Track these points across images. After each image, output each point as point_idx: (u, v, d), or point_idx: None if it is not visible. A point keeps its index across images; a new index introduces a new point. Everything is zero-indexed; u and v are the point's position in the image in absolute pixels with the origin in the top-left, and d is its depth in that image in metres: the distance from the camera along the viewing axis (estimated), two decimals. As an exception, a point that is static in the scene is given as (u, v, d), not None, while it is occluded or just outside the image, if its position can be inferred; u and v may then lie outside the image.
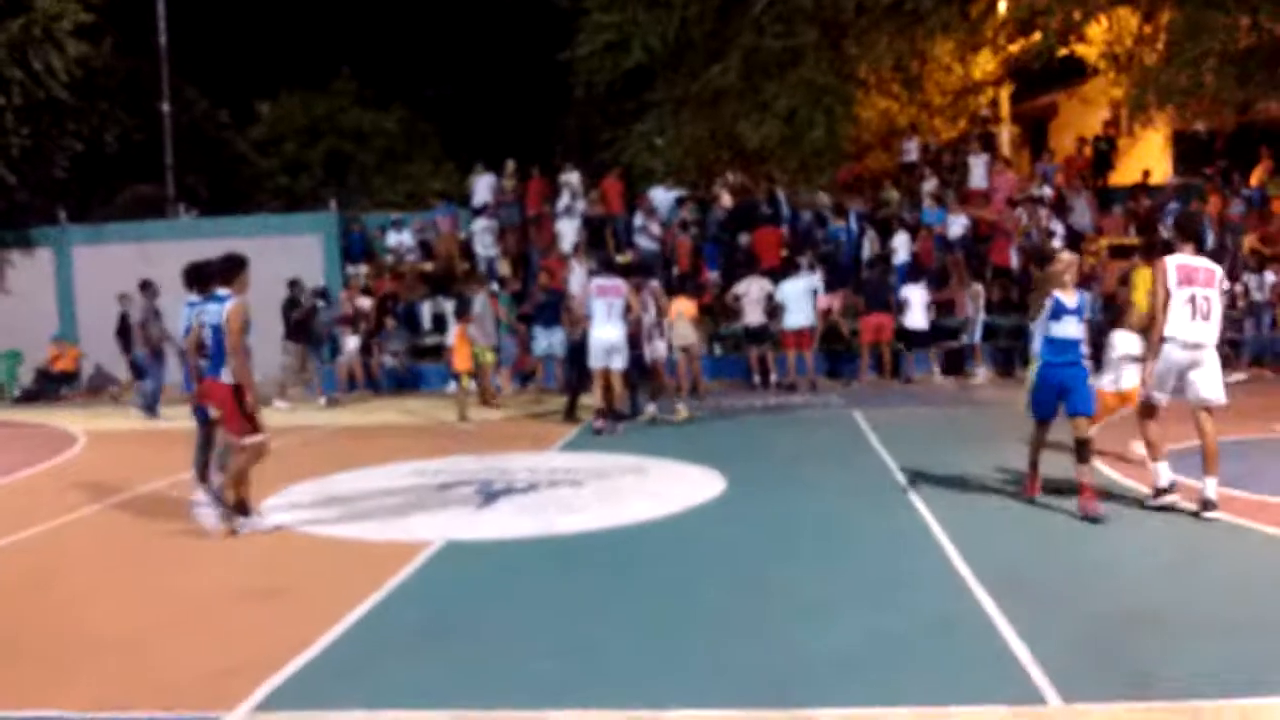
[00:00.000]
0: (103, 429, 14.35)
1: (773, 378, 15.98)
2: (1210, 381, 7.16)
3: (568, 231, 18.92)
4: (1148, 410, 7.45)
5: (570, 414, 12.79)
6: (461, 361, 13.54)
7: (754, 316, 15.88)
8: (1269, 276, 14.81)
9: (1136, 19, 19.30)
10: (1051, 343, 7.38)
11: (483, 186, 20.80)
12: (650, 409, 12.57)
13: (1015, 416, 11.86)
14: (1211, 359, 7.18)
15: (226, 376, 7.45)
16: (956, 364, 16.67)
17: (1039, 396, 7.45)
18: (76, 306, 20.55)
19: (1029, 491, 7.75)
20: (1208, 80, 17.41)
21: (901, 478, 8.69)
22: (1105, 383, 8.86)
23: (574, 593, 5.92)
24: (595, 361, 11.75)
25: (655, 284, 13.35)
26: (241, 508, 7.57)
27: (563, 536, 7.20)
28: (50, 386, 19.25)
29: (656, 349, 12.68)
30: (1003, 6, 20.40)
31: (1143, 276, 15.17)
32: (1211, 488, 7.06)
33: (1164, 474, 7.36)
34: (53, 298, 20.61)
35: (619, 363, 11.65)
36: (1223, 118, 21.43)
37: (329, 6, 32.86)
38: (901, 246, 17.46)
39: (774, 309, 15.73)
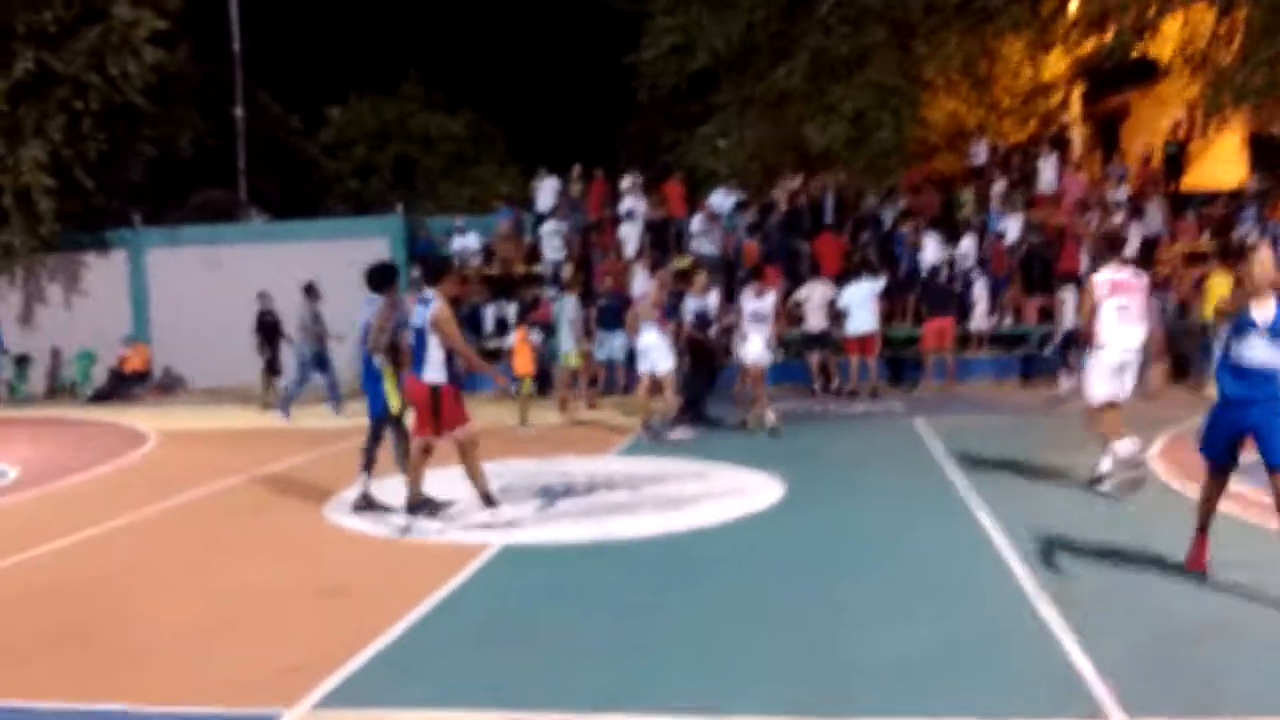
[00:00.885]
0: (173, 428, 14.66)
1: (834, 384, 15.84)
2: (1131, 378, 8.33)
3: (630, 235, 18.94)
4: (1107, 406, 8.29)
5: (697, 416, 12.58)
6: (522, 365, 13.56)
7: (816, 322, 15.75)
8: None
9: (1212, 17, 18.87)
10: (1232, 370, 5.69)
11: (547, 190, 20.90)
12: (770, 417, 11.87)
13: (1076, 424, 11.66)
14: (1138, 363, 8.38)
15: (429, 376, 7.50)
16: (1031, 371, 16.42)
17: (1210, 436, 5.93)
18: (150, 308, 21.02)
19: (1194, 564, 5.97)
20: (1284, 81, 16.98)
21: (962, 486, 8.56)
22: None
23: (630, 598, 5.93)
24: (638, 365, 11.93)
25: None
26: (489, 498, 7.74)
27: (620, 541, 7.21)
28: (123, 386, 19.71)
29: (749, 353, 11.99)
30: (1074, 5, 20.06)
31: (1218, 282, 14.93)
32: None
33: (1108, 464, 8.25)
34: (126, 300, 21.11)
35: (662, 365, 11.51)
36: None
37: (398, 12, 33.34)
38: (970, 250, 17.21)
39: (837, 314, 15.58)
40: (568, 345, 14.37)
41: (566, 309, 14.35)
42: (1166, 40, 20.15)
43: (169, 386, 20.57)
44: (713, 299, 13.19)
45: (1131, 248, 17.03)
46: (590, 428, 13.13)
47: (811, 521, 7.61)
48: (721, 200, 19.41)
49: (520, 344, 13.85)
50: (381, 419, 8.39)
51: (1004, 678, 4.55)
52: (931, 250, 17.09)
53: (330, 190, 32.34)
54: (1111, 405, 8.25)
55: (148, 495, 9.32)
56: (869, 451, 10.72)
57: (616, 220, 19.57)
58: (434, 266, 8.15)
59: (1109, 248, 8.98)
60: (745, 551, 6.90)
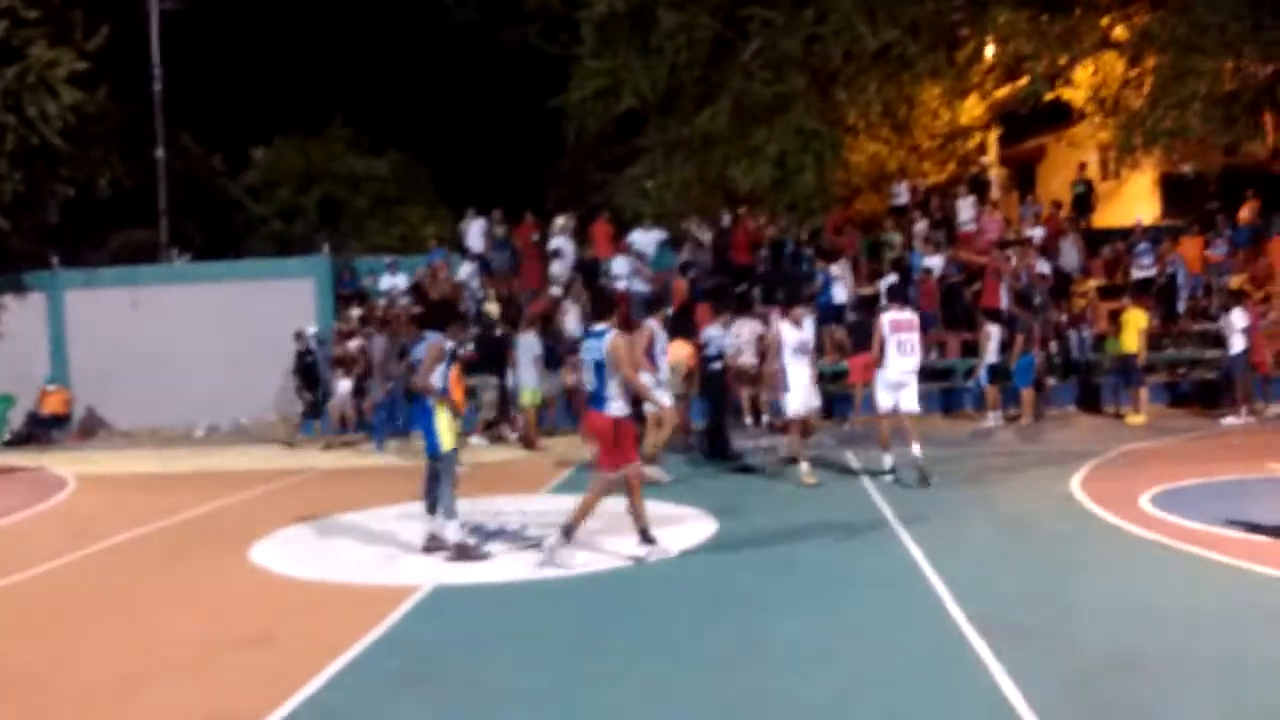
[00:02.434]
0: (94, 472, 14.28)
1: (764, 418, 15.94)
2: (910, 398, 10.59)
3: (560, 274, 18.99)
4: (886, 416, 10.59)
5: (719, 450, 12.58)
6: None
7: (746, 358, 15.86)
8: (1236, 316, 14.77)
9: (1122, 63, 19.54)
10: None
11: (474, 231, 20.89)
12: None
13: (1006, 457, 11.89)
14: (913, 382, 10.57)
15: (614, 409, 7.48)
16: (955, 405, 16.71)
17: None
18: (68, 350, 20.50)
19: None
20: (1193, 123, 17.61)
21: (893, 518, 8.66)
22: None
23: (564, 638, 5.88)
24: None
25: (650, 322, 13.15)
26: (646, 535, 7.65)
27: (552, 580, 7.17)
28: (41, 430, 19.17)
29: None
30: (989, 52, 20.65)
31: (1132, 316, 15.40)
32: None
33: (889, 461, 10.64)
34: (45, 342, 20.57)
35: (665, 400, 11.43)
36: (1209, 159, 21.71)
37: (324, 54, 33.13)
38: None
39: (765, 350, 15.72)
40: (529, 382, 14.37)
41: (527, 346, 14.39)
42: (1079, 86, 20.81)
43: (89, 430, 20.04)
44: (742, 330, 13.51)
45: (1045, 283, 17.57)
46: (524, 465, 13.07)
47: (744, 557, 7.64)
48: (642, 239, 19.57)
49: (454, 383, 13.76)
50: (437, 457, 8.18)
51: (935, 710, 4.60)
52: (841, 290, 17.33)
53: (254, 231, 31.92)
54: (891, 415, 10.61)
55: (68, 542, 9.05)
56: (801, 486, 10.78)
57: (545, 260, 19.61)
58: (607, 300, 8.25)
59: (891, 297, 11.21)
60: (678, 589, 6.89)
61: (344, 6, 32.17)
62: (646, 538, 7.70)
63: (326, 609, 6.73)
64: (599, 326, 7.71)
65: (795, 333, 10.80)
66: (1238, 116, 18.06)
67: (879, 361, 10.54)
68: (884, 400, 10.67)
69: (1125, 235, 19.73)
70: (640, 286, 18.28)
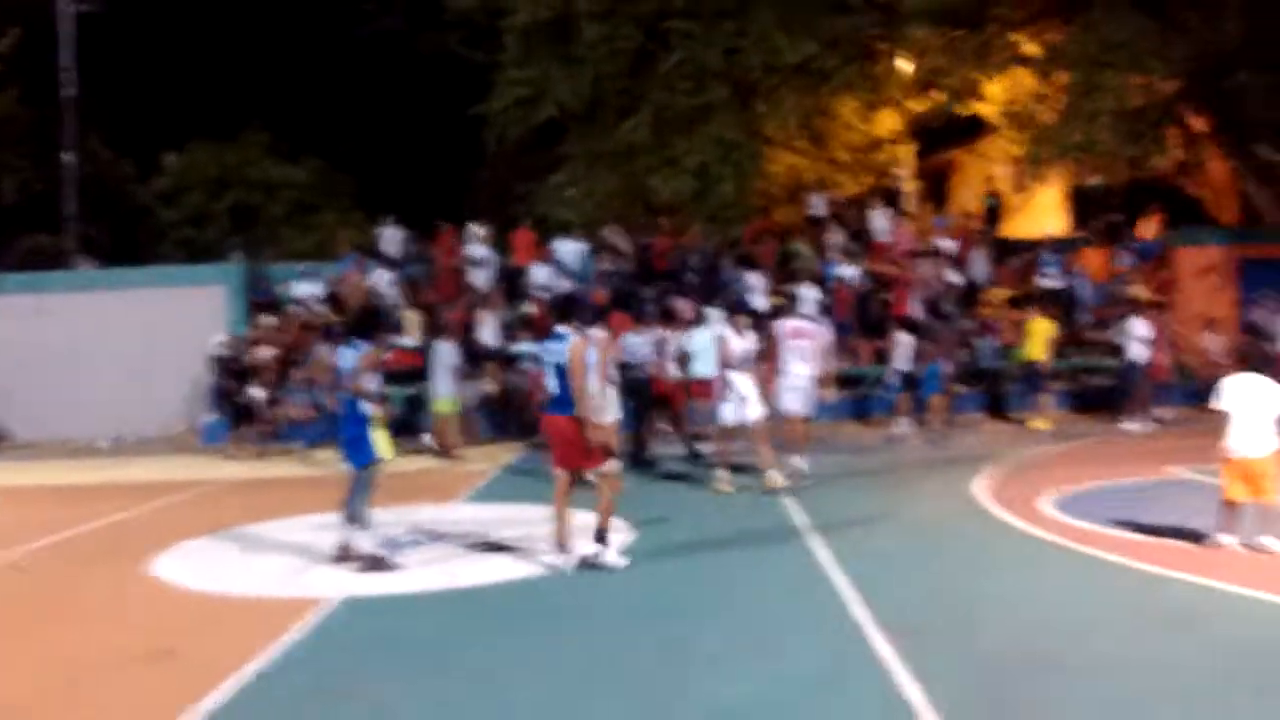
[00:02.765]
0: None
1: (680, 428, 15.99)
2: (803, 399, 11.16)
3: (480, 283, 18.90)
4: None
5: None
6: None
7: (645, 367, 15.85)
8: (1137, 325, 15.22)
9: (1033, 79, 20.09)
10: None
11: (390, 238, 20.72)
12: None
13: (915, 462, 12.11)
14: (809, 386, 11.13)
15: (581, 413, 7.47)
16: (868, 412, 16.97)
17: None
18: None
19: None
20: (1101, 137, 18.17)
21: (804, 525, 8.77)
22: None
23: (477, 648, 5.86)
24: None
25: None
26: (600, 536, 7.57)
27: (465, 590, 7.13)
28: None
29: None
30: (905, 66, 21.06)
31: (1038, 325, 15.79)
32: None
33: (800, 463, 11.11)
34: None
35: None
36: (1116, 173, 22.38)
37: (240, 58, 32.60)
38: (808, 297, 17.68)
39: (682, 358, 15.77)
40: (445, 391, 14.28)
41: (444, 355, 14.30)
42: (991, 100, 21.34)
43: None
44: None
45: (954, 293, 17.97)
46: (440, 474, 12.98)
47: (658, 565, 7.67)
48: (567, 248, 19.58)
49: None
50: (366, 466, 8.02)
51: (838, 713, 4.68)
52: (758, 298, 17.51)
53: (165, 238, 31.28)
54: (788, 419, 11.14)
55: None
56: (716, 494, 10.85)
57: (465, 268, 19.50)
58: (565, 305, 8.27)
59: (790, 309, 12.00)
60: (592, 597, 6.90)
61: (262, 11, 31.65)
62: (601, 538, 7.68)
63: (231, 623, 6.61)
64: (561, 330, 7.68)
65: (740, 342, 10.69)
66: (1143, 132, 18.70)
67: (776, 368, 11.01)
68: (787, 404, 11.12)
69: (1033, 247, 20.21)
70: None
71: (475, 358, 15.71)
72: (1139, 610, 6.08)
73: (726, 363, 10.68)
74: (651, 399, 13.40)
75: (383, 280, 19.18)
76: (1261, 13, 16.64)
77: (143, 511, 10.95)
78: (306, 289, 19.64)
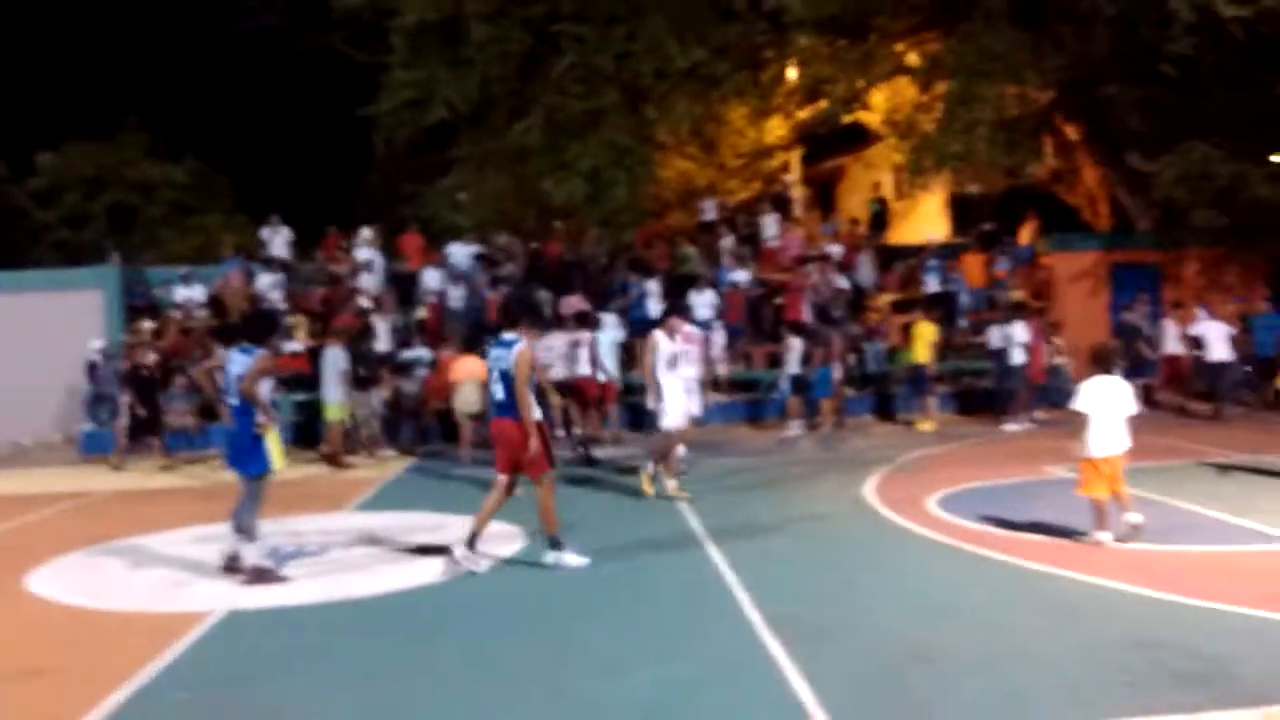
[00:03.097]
0: None
1: (575, 431, 16.00)
2: (694, 402, 10.94)
3: (369, 288, 18.60)
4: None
5: None
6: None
7: (558, 370, 15.90)
8: (1018, 329, 15.72)
9: (915, 88, 20.61)
10: None
11: (278, 241, 20.27)
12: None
13: (806, 464, 12.30)
14: (695, 390, 11.02)
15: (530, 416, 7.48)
16: (760, 415, 17.18)
17: None
18: None
19: None
20: (979, 147, 18.72)
21: (698, 527, 8.84)
22: None
23: (364, 659, 5.75)
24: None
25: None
26: (473, 541, 7.62)
27: (355, 600, 7.00)
28: None
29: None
30: (792, 74, 21.42)
31: (922, 329, 16.19)
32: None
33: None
34: None
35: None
36: (993, 181, 23.11)
37: (117, 56, 31.57)
38: (702, 303, 17.85)
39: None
40: (334, 397, 14.00)
41: (332, 361, 14.01)
42: (875, 109, 21.83)
43: None
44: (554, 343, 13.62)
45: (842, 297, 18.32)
46: (329, 483, 12.72)
47: (551, 571, 7.63)
48: (458, 252, 19.41)
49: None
50: (258, 476, 7.70)
51: (731, 712, 4.72)
52: (654, 304, 17.64)
53: (39, 240, 30.09)
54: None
55: None
56: (608, 497, 10.88)
57: (353, 272, 19.18)
58: (514, 310, 8.18)
59: (676, 313, 11.39)
60: (484, 604, 6.84)
61: (139, 6, 30.69)
62: (472, 544, 7.66)
63: (109, 639, 6.38)
64: (508, 336, 7.65)
65: (670, 344, 10.43)
66: (1020, 141, 19.33)
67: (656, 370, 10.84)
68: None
69: (916, 252, 20.74)
70: (456, 302, 18.12)
71: (368, 364, 15.44)
72: (1022, 606, 6.27)
73: (651, 366, 10.43)
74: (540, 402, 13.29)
75: (268, 284, 18.74)
76: (1129, 27, 17.35)
77: (17, 525, 10.51)
78: (186, 293, 19.08)
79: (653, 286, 18.28)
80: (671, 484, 10.47)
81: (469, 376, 13.64)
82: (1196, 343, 16.83)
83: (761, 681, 5.07)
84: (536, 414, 7.55)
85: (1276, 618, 5.73)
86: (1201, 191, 17.71)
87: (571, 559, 7.62)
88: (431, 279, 18.61)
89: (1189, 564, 7.08)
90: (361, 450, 14.68)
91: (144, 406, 15.09)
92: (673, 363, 10.42)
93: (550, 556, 7.65)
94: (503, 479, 7.66)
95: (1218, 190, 17.62)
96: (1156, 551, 7.40)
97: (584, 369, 14.59)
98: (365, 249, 19.28)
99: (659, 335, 10.51)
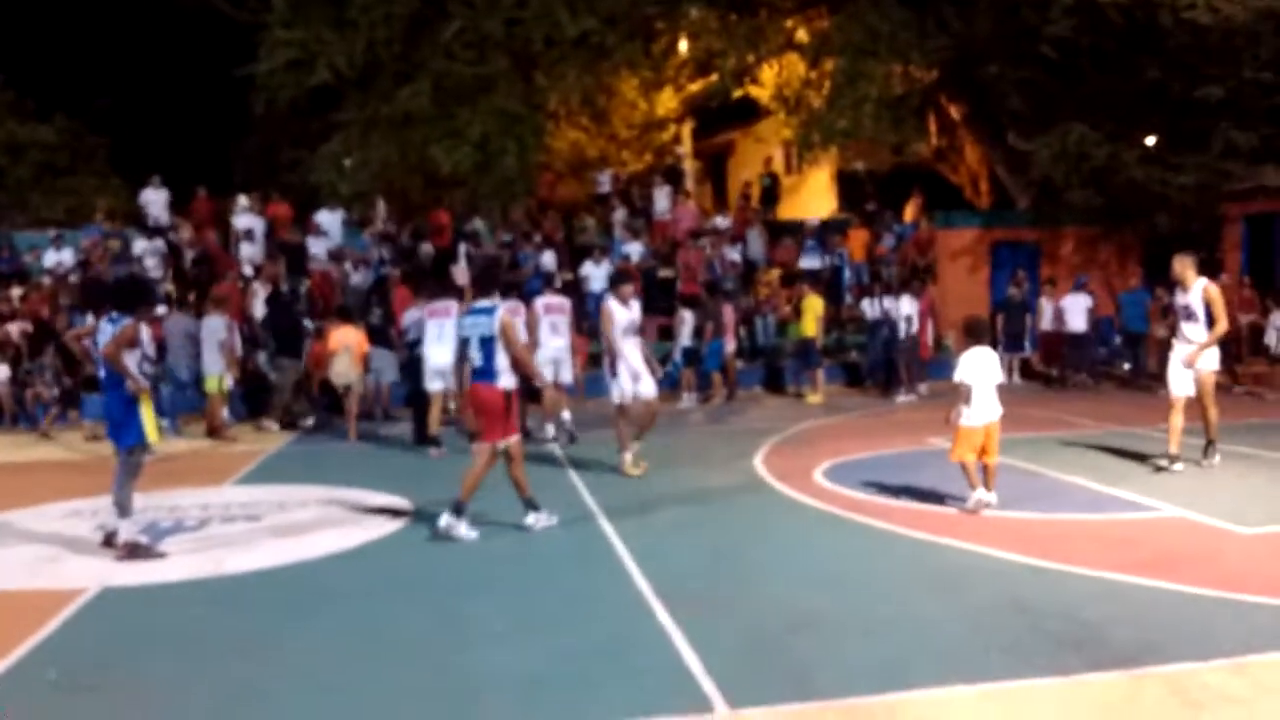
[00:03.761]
0: None
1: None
2: (565, 372, 12.29)
3: (250, 255, 18.08)
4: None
5: (421, 437, 12.21)
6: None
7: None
8: (905, 303, 16.10)
9: (804, 65, 20.81)
10: None
11: (154, 201, 19.54)
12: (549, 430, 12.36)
13: (698, 436, 12.40)
14: (566, 358, 12.32)
15: (504, 382, 7.55)
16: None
17: None
18: None
19: None
20: (865, 123, 19.01)
21: (589, 500, 8.83)
22: None
23: (242, 636, 5.59)
24: (430, 383, 11.73)
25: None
26: (531, 504, 7.87)
27: (235, 576, 6.81)
28: None
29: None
30: (684, 47, 21.43)
31: (810, 303, 16.42)
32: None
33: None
34: None
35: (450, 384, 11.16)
36: (879, 158, 23.51)
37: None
38: (597, 275, 17.79)
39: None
40: (214, 369, 13.57)
41: (211, 330, 13.56)
42: (765, 84, 21.98)
43: None
44: None
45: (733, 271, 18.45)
46: (209, 456, 12.35)
47: (438, 544, 7.53)
48: (329, 218, 19.01)
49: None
50: (133, 449, 7.35)
51: (620, 682, 4.73)
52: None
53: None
54: (555, 387, 11.19)
55: None
56: (498, 469, 10.76)
57: (233, 240, 18.62)
58: (486, 276, 8.22)
59: (546, 283, 12.84)
60: (368, 578, 6.72)
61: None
62: (532, 505, 7.79)
63: (-28, 618, 6.08)
64: (484, 303, 7.67)
65: (625, 312, 10.09)
66: (905, 119, 19.69)
67: (535, 342, 11.09)
68: (543, 371, 10.90)
69: (801, 227, 20.99)
70: (320, 267, 17.75)
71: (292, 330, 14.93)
72: (905, 573, 6.42)
73: (611, 335, 10.05)
74: None
75: (144, 249, 18.06)
76: (1011, 9, 17.79)
77: None
78: (57, 257, 18.29)
79: (549, 258, 18.17)
80: (627, 458, 10.08)
81: (343, 346, 13.32)
82: (1059, 316, 17.55)
83: (650, 651, 5.09)
84: (513, 382, 7.58)
85: (1148, 583, 5.97)
86: (1078, 171, 18.31)
87: (464, 529, 7.55)
88: (316, 247, 18.18)
89: (1066, 532, 7.33)
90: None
91: (12, 378, 14.44)
92: (630, 330, 10.18)
93: (445, 520, 7.57)
94: (484, 447, 7.66)
95: (1093, 170, 18.24)
96: (1035, 520, 7.66)
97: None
98: (244, 216, 18.71)
99: (613, 303, 10.13)
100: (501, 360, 7.53)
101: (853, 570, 6.53)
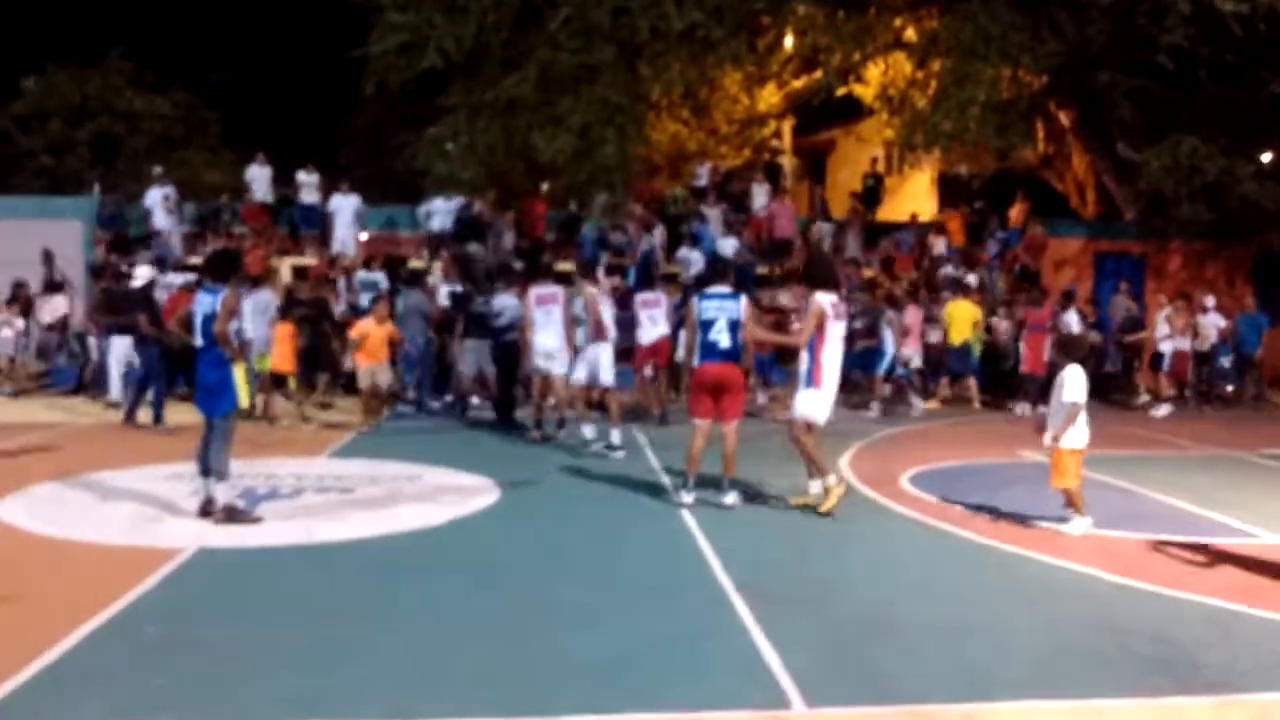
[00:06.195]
0: None
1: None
2: (559, 366, 11.27)
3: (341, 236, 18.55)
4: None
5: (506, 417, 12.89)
6: (282, 361, 12.95)
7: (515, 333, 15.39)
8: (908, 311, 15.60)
9: (910, 64, 20.52)
10: None
11: (261, 179, 20.06)
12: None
13: (781, 437, 12.31)
14: (562, 355, 11.20)
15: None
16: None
17: None
18: None
19: None
20: (971, 126, 18.68)
21: (673, 491, 8.85)
22: None
23: (331, 603, 5.75)
24: (536, 366, 11.72)
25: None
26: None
27: (325, 545, 6.99)
28: None
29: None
30: (789, 42, 21.27)
31: (960, 310, 15.53)
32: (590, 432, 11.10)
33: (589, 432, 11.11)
34: None
35: (558, 368, 11.32)
36: (983, 162, 23.07)
37: (105, -20, 31.03)
38: (696, 261, 17.69)
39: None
40: (264, 346, 13.29)
41: (262, 304, 13.17)
42: (869, 83, 21.73)
43: None
44: None
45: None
46: (306, 430, 12.64)
47: (524, 524, 7.65)
48: (441, 206, 19.30)
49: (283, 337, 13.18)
50: (226, 415, 7.55)
51: (698, 673, 4.75)
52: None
53: (21, 166, 29.59)
54: (545, 379, 11.50)
55: None
56: (584, 455, 10.85)
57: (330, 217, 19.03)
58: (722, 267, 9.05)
59: (544, 274, 12.04)
60: (455, 555, 6.85)
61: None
62: (723, 484, 8.35)
63: (79, 570, 6.34)
64: (726, 289, 8.36)
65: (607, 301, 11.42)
66: (1012, 123, 19.30)
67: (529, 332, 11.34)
68: (534, 363, 11.51)
69: (899, 230, 20.70)
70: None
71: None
72: (991, 584, 6.34)
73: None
74: (516, 360, 13.01)
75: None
76: (1125, 16, 17.32)
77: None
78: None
79: (657, 239, 18.29)
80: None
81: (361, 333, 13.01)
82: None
83: (729, 645, 5.10)
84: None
85: (1240, 609, 5.81)
86: (1188, 185, 17.76)
87: (731, 499, 8.24)
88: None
89: (1160, 553, 7.15)
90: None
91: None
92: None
93: (729, 498, 8.25)
94: (704, 424, 8.26)
95: (1205, 184, 17.67)
96: (1128, 539, 7.48)
97: (662, 329, 13.54)
98: (310, 193, 19.34)
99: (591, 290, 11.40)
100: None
101: (938, 577, 6.47)
